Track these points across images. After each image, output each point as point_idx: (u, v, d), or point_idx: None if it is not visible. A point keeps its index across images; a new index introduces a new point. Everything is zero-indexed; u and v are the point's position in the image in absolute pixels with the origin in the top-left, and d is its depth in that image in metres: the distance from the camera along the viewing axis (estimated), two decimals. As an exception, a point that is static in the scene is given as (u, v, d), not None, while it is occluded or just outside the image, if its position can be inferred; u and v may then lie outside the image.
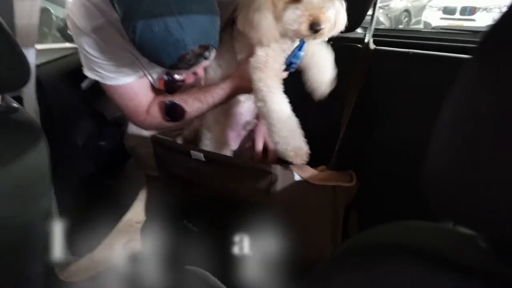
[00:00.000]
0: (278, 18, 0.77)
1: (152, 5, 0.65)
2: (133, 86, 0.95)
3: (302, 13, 0.74)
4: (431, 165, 0.27)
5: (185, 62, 0.71)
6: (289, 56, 0.88)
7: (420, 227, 0.33)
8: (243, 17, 0.81)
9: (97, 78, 0.92)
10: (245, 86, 0.90)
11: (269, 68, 0.84)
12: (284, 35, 0.80)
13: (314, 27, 0.74)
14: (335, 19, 0.80)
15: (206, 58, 0.74)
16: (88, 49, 0.86)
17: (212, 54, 0.76)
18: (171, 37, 0.66)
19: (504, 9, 0.25)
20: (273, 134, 0.83)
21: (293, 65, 0.90)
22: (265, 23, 0.77)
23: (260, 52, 0.84)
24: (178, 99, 0.97)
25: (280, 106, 0.83)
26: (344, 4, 0.83)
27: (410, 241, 0.32)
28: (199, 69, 0.85)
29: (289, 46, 0.87)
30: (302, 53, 0.88)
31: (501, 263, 0.27)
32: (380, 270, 0.31)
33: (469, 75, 0.25)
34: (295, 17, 0.74)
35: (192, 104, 0.96)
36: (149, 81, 0.99)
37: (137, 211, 1.65)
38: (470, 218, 0.27)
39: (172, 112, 0.97)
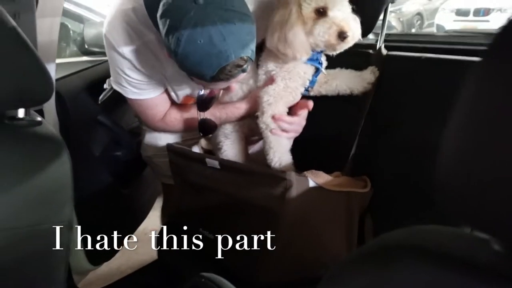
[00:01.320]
0: (309, 33, 0.86)
1: (197, 18, 0.68)
2: (154, 99, 1.00)
3: (330, 25, 0.84)
4: (442, 168, 0.28)
5: (225, 73, 0.74)
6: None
7: (434, 231, 0.33)
8: (275, 37, 0.88)
9: (121, 91, 0.97)
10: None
11: (282, 99, 0.94)
12: (315, 47, 0.89)
13: (342, 35, 0.84)
14: (354, 29, 0.89)
15: (244, 71, 0.77)
16: (121, 67, 0.90)
17: (249, 67, 0.79)
18: (214, 48, 0.69)
19: None
20: (269, 152, 0.94)
21: (307, 89, 0.99)
22: (299, 38, 0.86)
23: (280, 82, 0.93)
24: (191, 112, 1.02)
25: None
26: (358, 19, 0.91)
27: (423, 243, 0.32)
28: (233, 84, 0.88)
29: (308, 76, 0.97)
30: (316, 78, 0.99)
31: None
32: (393, 272, 0.31)
33: (478, 77, 0.25)
34: (325, 29, 0.85)
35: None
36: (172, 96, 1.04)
37: (152, 220, 1.68)
38: (482, 221, 0.27)
39: (205, 127, 1.02)
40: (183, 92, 1.03)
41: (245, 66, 0.76)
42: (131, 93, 0.96)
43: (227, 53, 0.70)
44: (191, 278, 0.54)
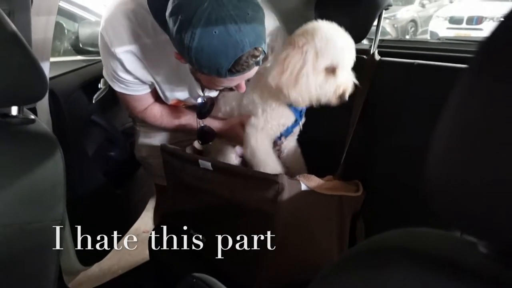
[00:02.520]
0: (318, 87, 0.88)
1: (211, 9, 0.67)
2: (137, 96, 1.02)
3: (338, 86, 0.88)
4: (430, 171, 0.28)
5: (241, 64, 0.73)
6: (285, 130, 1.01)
7: (424, 233, 0.34)
8: (282, 76, 0.88)
9: (109, 82, 0.98)
10: (230, 136, 1.04)
11: (264, 132, 0.97)
12: (317, 101, 0.90)
13: (343, 96, 0.89)
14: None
15: (257, 64, 0.77)
16: (111, 65, 0.91)
17: (262, 59, 0.78)
18: (230, 38, 0.68)
19: (500, 20, 0.26)
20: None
21: (280, 137, 1.03)
22: (309, 89, 0.87)
23: (261, 117, 0.96)
24: (172, 112, 1.07)
25: (263, 157, 0.97)
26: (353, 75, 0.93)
27: (411, 245, 0.32)
28: (243, 83, 0.87)
29: (288, 122, 1.00)
30: (292, 130, 1.03)
31: (501, 266, 0.28)
32: (381, 273, 0.32)
33: (464, 84, 0.26)
34: (334, 89, 0.88)
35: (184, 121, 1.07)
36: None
37: (145, 221, 1.67)
38: (469, 224, 0.28)
39: (203, 135, 1.05)
40: (173, 95, 1.03)
41: (259, 57, 0.75)
42: (118, 87, 0.98)
43: (243, 43, 0.69)
44: (183, 278, 0.54)
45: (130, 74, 0.93)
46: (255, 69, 0.79)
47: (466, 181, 0.26)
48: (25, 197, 0.58)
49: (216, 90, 0.96)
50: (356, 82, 0.92)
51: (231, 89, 0.90)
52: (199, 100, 0.97)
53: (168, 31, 0.75)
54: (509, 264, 0.29)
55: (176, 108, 1.09)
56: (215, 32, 0.68)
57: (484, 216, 0.26)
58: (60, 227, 0.64)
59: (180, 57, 0.78)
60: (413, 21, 5.99)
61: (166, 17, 0.73)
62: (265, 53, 0.76)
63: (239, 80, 0.82)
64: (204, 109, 0.98)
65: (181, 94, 1.04)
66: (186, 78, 0.95)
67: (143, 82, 0.98)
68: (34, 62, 0.60)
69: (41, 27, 0.87)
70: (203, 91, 0.98)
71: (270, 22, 0.93)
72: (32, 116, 0.68)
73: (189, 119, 1.08)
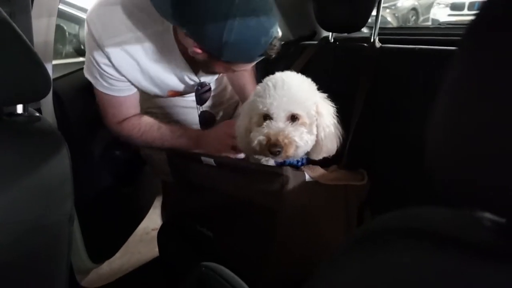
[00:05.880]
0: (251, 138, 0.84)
1: (244, 4, 0.71)
2: (121, 98, 1.00)
3: (263, 136, 0.80)
4: (430, 147, 0.29)
5: (270, 49, 0.79)
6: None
7: (427, 212, 0.34)
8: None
9: (92, 81, 0.96)
10: (198, 146, 1.03)
11: None
12: (258, 153, 0.86)
13: (271, 149, 0.79)
14: (312, 142, 0.85)
15: (275, 45, 0.81)
16: (96, 59, 0.90)
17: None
18: (263, 28, 0.75)
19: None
20: None
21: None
22: (244, 141, 0.89)
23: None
24: (151, 125, 1.04)
25: None
26: (337, 130, 0.88)
27: (416, 224, 0.33)
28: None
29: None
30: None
31: (505, 239, 0.28)
32: (387, 253, 0.32)
33: (459, 60, 0.27)
34: (257, 140, 0.81)
35: (160, 135, 1.04)
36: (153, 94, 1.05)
37: (153, 219, 1.68)
38: (471, 198, 0.28)
39: (204, 120, 1.10)
40: (168, 86, 1.03)
41: (276, 41, 0.81)
42: (101, 85, 0.95)
43: (272, 31, 0.76)
44: (192, 269, 0.55)
45: (116, 70, 0.91)
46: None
47: (466, 151, 0.26)
48: (34, 193, 0.60)
49: (212, 71, 0.99)
50: (298, 138, 0.82)
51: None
52: (197, 87, 1.01)
53: (181, 24, 0.76)
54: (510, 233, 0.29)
55: (153, 122, 1.06)
56: (252, 25, 0.72)
57: (489, 187, 0.26)
58: (70, 222, 0.66)
59: (200, 50, 0.79)
60: (414, 9, 5.93)
61: (171, 7, 0.74)
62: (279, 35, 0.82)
63: (254, 62, 0.87)
64: (203, 95, 1.03)
65: (175, 84, 1.04)
66: (176, 69, 0.97)
67: (128, 81, 0.96)
68: (36, 59, 0.61)
69: (42, 29, 0.88)
70: (197, 76, 1.01)
71: None
72: (38, 114, 0.69)
73: (166, 133, 1.05)
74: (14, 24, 0.57)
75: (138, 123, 1.02)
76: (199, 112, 1.08)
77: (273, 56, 0.83)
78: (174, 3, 0.74)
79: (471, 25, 0.26)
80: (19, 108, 0.65)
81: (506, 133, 0.23)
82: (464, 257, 0.28)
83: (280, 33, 0.81)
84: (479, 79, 0.24)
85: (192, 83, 1.05)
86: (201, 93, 1.03)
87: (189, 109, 1.17)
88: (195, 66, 0.99)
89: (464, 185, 0.28)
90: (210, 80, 1.08)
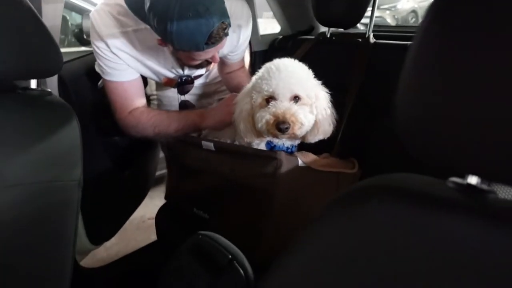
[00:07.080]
0: (254, 120, 0.91)
1: (183, 1, 0.81)
2: (128, 84, 1.08)
3: (267, 114, 0.87)
4: (400, 111, 0.33)
5: (214, 37, 0.87)
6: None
7: (406, 176, 0.39)
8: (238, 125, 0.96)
9: (99, 72, 1.07)
10: (204, 120, 1.09)
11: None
12: (261, 134, 0.93)
13: (279, 126, 0.85)
14: (312, 122, 0.91)
15: (226, 34, 0.91)
16: (99, 46, 1.01)
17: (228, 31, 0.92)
18: (202, 18, 0.83)
19: None
20: None
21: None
22: (245, 124, 0.94)
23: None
24: (159, 112, 1.13)
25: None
26: (331, 113, 0.94)
27: (395, 183, 0.37)
28: (216, 54, 1.00)
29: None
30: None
31: (464, 196, 0.32)
32: (360, 209, 0.36)
33: (421, 30, 0.31)
34: (264, 119, 0.87)
35: (168, 117, 1.11)
36: (154, 80, 1.18)
37: (150, 208, 1.72)
38: (437, 159, 0.32)
39: (185, 107, 1.19)
40: (161, 75, 1.15)
41: (227, 29, 0.90)
42: (107, 73, 1.04)
43: (213, 20, 0.84)
44: (190, 238, 0.58)
45: (115, 54, 1.01)
46: (225, 40, 0.94)
47: (432, 113, 0.30)
48: (47, 158, 0.64)
49: (195, 66, 1.09)
50: (304, 117, 0.88)
51: (208, 62, 1.06)
52: (179, 79, 1.14)
53: (149, 23, 0.88)
54: (471, 194, 0.33)
55: (160, 109, 1.20)
56: (189, 15, 0.81)
57: (449, 148, 0.30)
58: (79, 186, 0.70)
59: (163, 42, 0.93)
60: (414, 11, 5.98)
61: (146, 12, 0.86)
62: (230, 25, 0.91)
63: (214, 51, 0.96)
64: (185, 87, 1.16)
65: (166, 74, 1.15)
66: (165, 61, 1.09)
67: (129, 66, 1.05)
68: (48, 36, 0.65)
69: (49, 14, 0.91)
70: (183, 70, 1.13)
71: (238, 3, 1.09)
72: (49, 89, 0.73)
73: (174, 114, 1.13)
74: (29, 2, 0.61)
75: (146, 110, 1.11)
76: (179, 100, 1.21)
77: (224, 39, 0.91)
78: (139, 6, 0.89)
79: (431, 3, 0.30)
80: (33, 83, 0.69)
81: (458, 98, 0.27)
82: (433, 208, 0.32)
83: (229, 23, 0.90)
84: (434, 47, 0.28)
85: (178, 74, 1.16)
86: (182, 84, 1.16)
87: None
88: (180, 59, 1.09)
89: (429, 146, 0.32)
90: (193, 73, 1.19)
